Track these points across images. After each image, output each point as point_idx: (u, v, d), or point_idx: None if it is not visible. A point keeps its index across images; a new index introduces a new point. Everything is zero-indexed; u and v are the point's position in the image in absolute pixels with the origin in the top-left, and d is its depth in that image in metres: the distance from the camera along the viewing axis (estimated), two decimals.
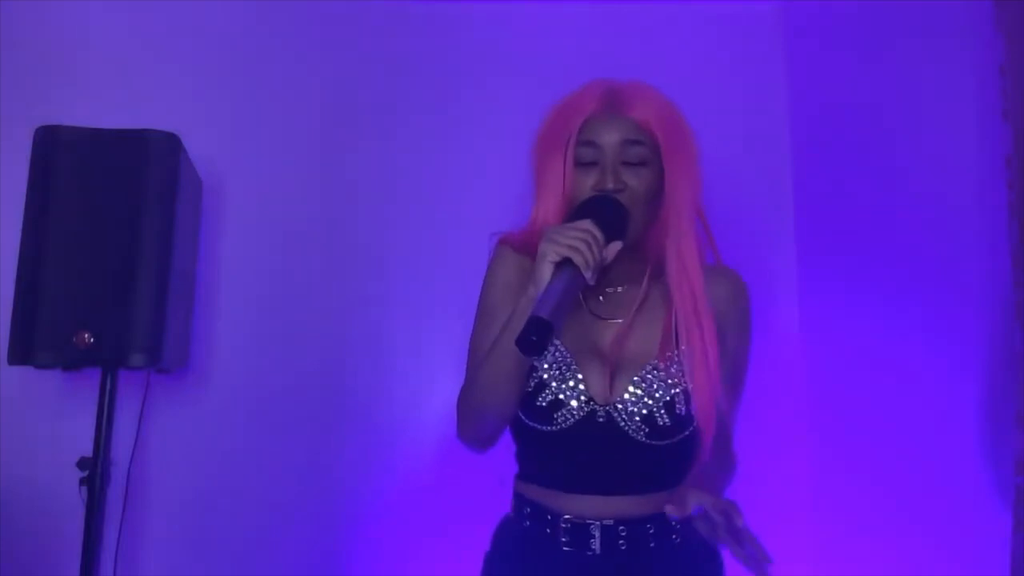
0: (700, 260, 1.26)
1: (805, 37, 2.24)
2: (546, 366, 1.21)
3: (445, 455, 1.95)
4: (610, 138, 1.22)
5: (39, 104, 2.01)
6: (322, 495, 2.03)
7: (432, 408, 2.01)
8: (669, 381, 1.19)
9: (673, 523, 1.20)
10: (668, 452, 1.20)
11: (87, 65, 2.13)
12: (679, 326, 1.22)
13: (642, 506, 1.20)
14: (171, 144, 1.75)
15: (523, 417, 1.22)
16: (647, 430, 1.18)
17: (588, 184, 1.21)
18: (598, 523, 1.19)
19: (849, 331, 1.99)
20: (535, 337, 1.02)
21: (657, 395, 1.19)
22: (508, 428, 1.29)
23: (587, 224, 1.12)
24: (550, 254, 1.10)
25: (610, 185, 1.19)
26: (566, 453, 1.21)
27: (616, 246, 1.15)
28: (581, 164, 1.23)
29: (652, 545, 1.20)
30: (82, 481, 1.74)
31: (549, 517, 1.21)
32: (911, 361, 1.74)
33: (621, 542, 1.19)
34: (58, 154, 1.69)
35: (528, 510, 1.25)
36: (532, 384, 1.21)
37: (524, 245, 1.26)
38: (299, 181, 2.16)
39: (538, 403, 1.20)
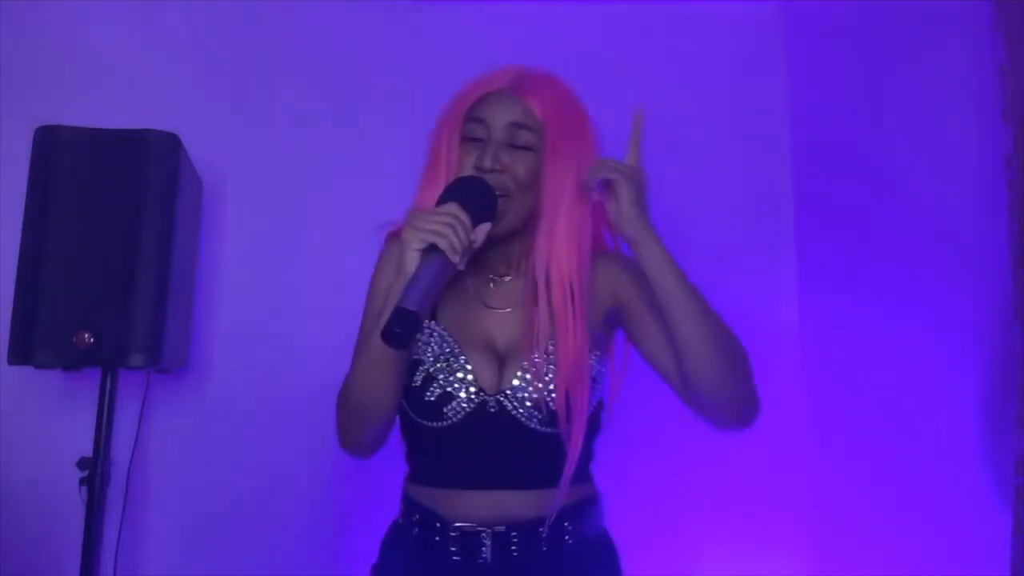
0: (580, 252, 1.20)
1: (805, 37, 2.24)
2: (432, 359, 1.16)
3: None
4: (499, 117, 1.18)
5: (39, 104, 2.01)
6: (322, 495, 2.03)
7: None
8: (553, 364, 1.15)
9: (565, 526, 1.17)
10: (561, 440, 1.16)
11: (87, 65, 2.13)
12: (553, 318, 1.16)
13: (535, 506, 1.16)
14: (171, 144, 1.75)
15: (412, 415, 1.18)
16: (539, 416, 1.14)
17: (469, 163, 1.17)
18: (489, 531, 1.15)
19: (849, 331, 1.99)
20: (399, 329, 0.98)
21: (547, 378, 1.14)
22: (399, 426, 1.24)
23: (451, 207, 1.07)
24: (414, 241, 1.05)
25: (487, 164, 1.15)
26: (458, 448, 1.17)
27: (485, 227, 1.11)
28: (469, 140, 1.19)
29: (544, 549, 1.16)
30: (82, 481, 1.74)
31: (438, 525, 1.17)
32: (911, 361, 1.74)
33: (513, 548, 1.15)
34: (58, 154, 1.69)
35: (417, 516, 1.20)
36: (420, 379, 1.16)
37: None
38: (299, 181, 2.16)
39: (427, 398, 1.15)
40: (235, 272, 2.12)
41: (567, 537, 1.18)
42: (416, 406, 1.17)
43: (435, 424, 1.16)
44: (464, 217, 1.07)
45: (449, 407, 1.15)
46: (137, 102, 2.08)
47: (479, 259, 1.19)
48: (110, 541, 1.84)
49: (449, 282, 1.17)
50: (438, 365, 1.16)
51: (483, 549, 1.15)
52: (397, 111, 2.20)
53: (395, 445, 2.16)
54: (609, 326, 1.28)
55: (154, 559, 1.99)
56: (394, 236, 1.24)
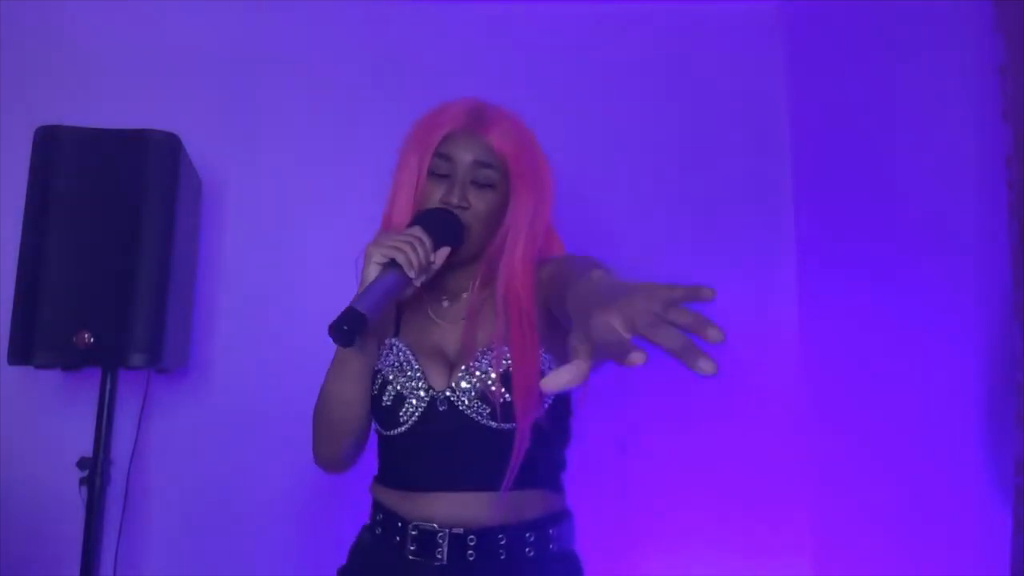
0: (533, 273, 1.26)
1: (805, 37, 2.24)
2: (389, 365, 1.24)
3: None
4: (465, 156, 1.26)
5: (39, 104, 2.01)
6: (322, 495, 2.03)
7: None
8: (504, 360, 1.19)
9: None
10: (514, 438, 1.17)
11: (87, 65, 2.13)
12: (508, 337, 1.22)
13: (496, 511, 1.18)
14: (171, 144, 1.75)
15: (375, 424, 1.26)
16: (488, 410, 1.18)
17: (437, 196, 1.25)
18: (446, 532, 1.17)
19: (848, 331, 1.99)
20: (346, 327, 1.06)
21: (489, 370, 1.19)
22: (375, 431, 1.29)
23: (415, 230, 1.18)
24: (375, 255, 1.16)
25: (455, 200, 1.24)
26: (417, 451, 1.22)
27: (444, 251, 1.21)
28: (434, 175, 1.27)
29: (503, 557, 1.17)
30: (82, 481, 1.74)
31: (399, 524, 1.21)
32: (910, 361, 1.74)
33: (469, 552, 1.17)
34: (58, 154, 1.69)
35: (380, 517, 1.25)
36: (377, 385, 1.24)
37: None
38: (299, 181, 2.16)
39: (383, 402, 1.22)
40: (235, 272, 2.12)
41: (528, 549, 1.19)
42: (377, 414, 1.25)
43: (393, 431, 1.22)
44: (426, 239, 1.18)
45: (403, 410, 1.21)
46: (137, 102, 2.09)
47: (436, 284, 1.29)
48: (110, 541, 1.84)
49: (411, 306, 1.31)
50: (393, 370, 1.24)
51: (439, 550, 1.17)
52: (397, 111, 2.18)
53: None
54: (554, 326, 1.26)
55: (154, 559, 1.99)
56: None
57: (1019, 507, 1.29)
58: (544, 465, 1.24)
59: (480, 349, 1.22)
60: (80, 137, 1.71)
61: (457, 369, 1.22)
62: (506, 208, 1.29)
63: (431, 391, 1.21)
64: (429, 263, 1.19)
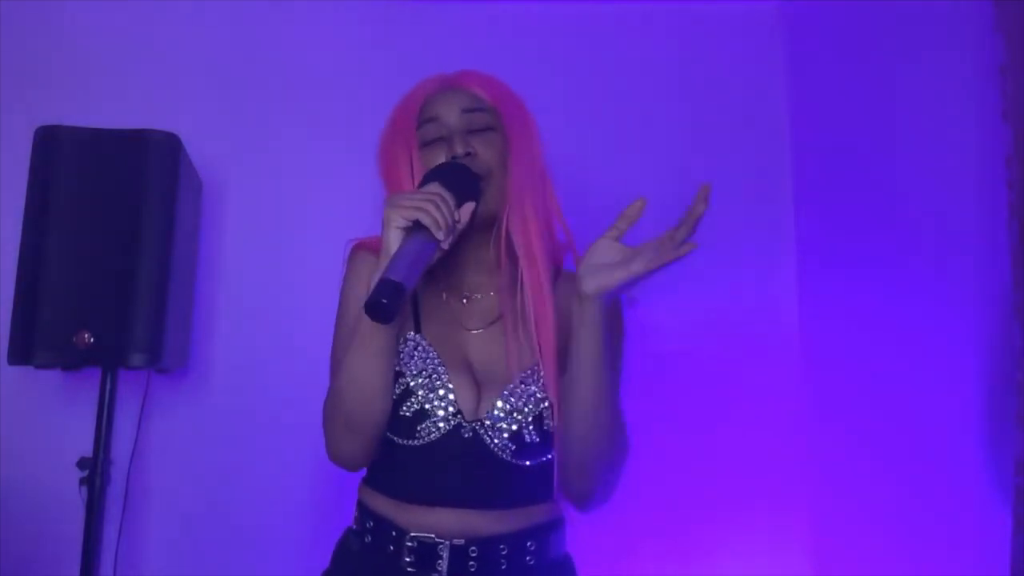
0: (549, 232, 1.19)
1: (805, 37, 2.24)
2: (415, 371, 1.13)
3: None
4: (450, 109, 1.17)
5: (39, 104, 2.01)
6: (322, 495, 2.03)
7: None
8: (538, 395, 1.13)
9: (527, 545, 1.13)
10: (532, 472, 1.14)
11: (87, 65, 2.13)
12: (527, 301, 1.14)
13: (498, 523, 1.13)
14: (171, 144, 1.75)
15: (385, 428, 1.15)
16: (513, 448, 1.12)
17: (438, 159, 1.15)
18: (447, 543, 1.11)
19: (848, 331, 1.99)
20: (385, 300, 0.94)
21: (526, 410, 1.12)
22: None
23: (433, 186, 1.05)
24: (395, 219, 1.02)
25: (459, 150, 1.13)
26: (426, 468, 1.13)
27: (469, 207, 1.09)
28: (426, 144, 1.17)
29: (504, 567, 1.12)
30: (82, 481, 1.74)
31: (394, 533, 1.12)
32: (910, 361, 1.74)
33: (471, 564, 1.11)
34: (58, 154, 1.69)
35: (371, 524, 1.16)
36: (398, 391, 1.13)
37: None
38: (299, 181, 2.16)
39: (402, 412, 1.12)
40: (235, 272, 2.12)
41: (528, 558, 1.14)
42: (390, 420, 1.14)
43: (405, 442, 1.13)
44: (447, 195, 1.05)
45: (423, 426, 1.12)
46: (137, 102, 2.08)
47: (454, 277, 1.20)
48: (110, 541, 1.84)
49: (426, 292, 1.18)
50: (420, 380, 1.13)
51: (439, 562, 1.11)
52: None
53: None
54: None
55: (154, 559, 1.98)
56: (360, 248, 1.24)
57: (1019, 507, 1.29)
58: (541, 484, 1.19)
59: (517, 376, 1.13)
60: (80, 137, 1.71)
61: (487, 395, 1.14)
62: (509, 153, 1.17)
63: (459, 417, 1.12)
64: (455, 221, 1.05)
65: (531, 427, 1.12)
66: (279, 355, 2.08)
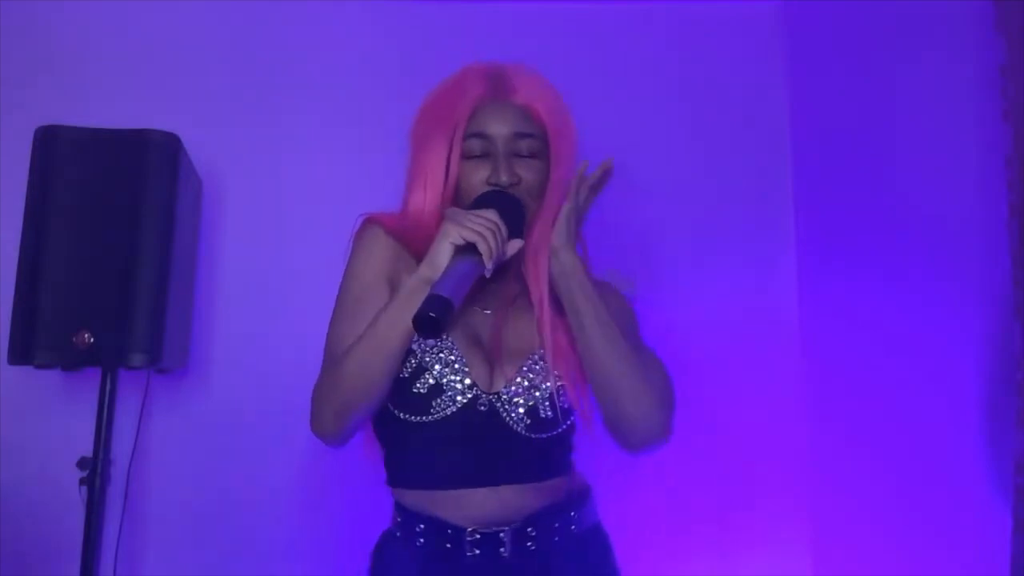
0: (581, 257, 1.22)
1: (805, 37, 2.24)
2: (428, 347, 1.14)
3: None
4: (501, 129, 1.16)
5: (39, 104, 2.01)
6: (322, 495, 2.03)
7: None
8: (555, 372, 1.16)
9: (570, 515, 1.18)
10: (547, 444, 1.17)
11: (87, 65, 2.13)
12: (540, 323, 1.17)
13: (541, 496, 1.16)
14: (171, 144, 1.75)
15: (394, 409, 1.16)
16: (528, 422, 1.15)
17: (479, 177, 1.16)
18: (508, 528, 1.14)
19: (848, 331, 1.99)
20: (434, 314, 0.97)
21: (543, 387, 1.16)
22: (374, 431, 1.23)
23: (494, 215, 1.08)
24: (453, 235, 1.05)
25: (504, 179, 1.14)
26: (443, 445, 1.14)
27: (517, 243, 1.12)
28: (471, 156, 1.17)
29: (556, 539, 1.17)
30: (82, 481, 1.74)
31: (450, 531, 1.14)
32: (910, 361, 1.74)
33: (530, 543, 1.15)
34: (58, 154, 1.69)
35: (421, 526, 1.16)
36: (409, 369, 1.13)
37: (398, 230, 1.20)
38: (299, 181, 2.16)
39: (415, 389, 1.13)
40: (235, 272, 2.11)
41: (573, 527, 1.19)
42: (401, 399, 1.15)
43: (419, 418, 1.14)
44: (503, 228, 1.08)
45: (438, 400, 1.13)
46: (137, 102, 2.08)
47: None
48: (110, 541, 1.84)
49: None
50: (433, 356, 1.14)
51: (502, 549, 1.14)
52: (397, 111, 2.19)
53: None
54: None
55: (154, 559, 1.98)
56: (373, 222, 1.24)
57: (1019, 507, 1.29)
58: (560, 456, 1.23)
59: (535, 353, 1.17)
60: (80, 137, 1.71)
61: (503, 369, 1.16)
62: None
63: (475, 389, 1.14)
64: (503, 254, 1.09)
65: (546, 403, 1.15)
66: (279, 355, 2.07)
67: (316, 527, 2.02)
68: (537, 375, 1.16)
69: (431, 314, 0.97)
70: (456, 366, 1.14)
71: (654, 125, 2.26)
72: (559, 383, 1.16)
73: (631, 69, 2.28)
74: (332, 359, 1.18)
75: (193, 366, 2.05)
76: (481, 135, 1.17)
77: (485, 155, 1.17)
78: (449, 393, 1.13)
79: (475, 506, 1.15)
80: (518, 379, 1.16)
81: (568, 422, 1.19)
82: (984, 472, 1.48)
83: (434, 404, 1.13)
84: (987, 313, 1.49)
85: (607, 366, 1.14)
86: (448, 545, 1.15)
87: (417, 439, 1.16)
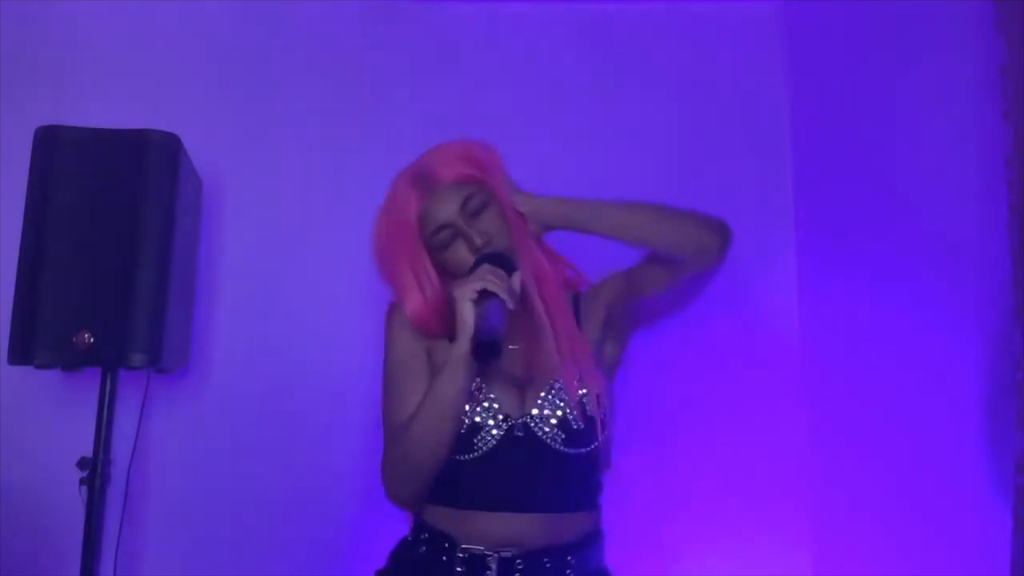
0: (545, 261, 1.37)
1: (805, 37, 2.24)
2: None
3: None
4: (450, 211, 1.30)
5: (39, 104, 2.01)
6: (321, 495, 2.03)
7: None
8: (576, 383, 1.27)
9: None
10: (581, 463, 1.27)
11: (87, 65, 2.13)
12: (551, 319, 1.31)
13: (545, 532, 1.24)
14: (171, 144, 1.75)
15: None
16: (563, 436, 1.25)
17: (463, 255, 1.30)
18: (495, 555, 1.22)
19: (848, 331, 1.99)
20: (485, 339, 1.15)
21: (567, 398, 1.26)
22: None
23: (486, 267, 1.23)
24: (467, 293, 1.19)
25: (479, 242, 1.28)
26: (484, 475, 1.25)
27: (517, 275, 1.26)
28: (444, 249, 1.31)
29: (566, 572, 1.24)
30: (82, 481, 1.74)
31: (447, 545, 1.24)
32: (910, 361, 1.74)
33: (516, 574, 1.22)
34: (58, 154, 1.69)
35: (426, 535, 1.28)
36: None
37: (414, 322, 1.34)
38: (299, 181, 2.16)
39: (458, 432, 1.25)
40: (235, 272, 2.11)
41: (568, 571, 1.25)
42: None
43: (464, 457, 1.25)
44: (499, 272, 1.22)
45: (478, 437, 1.25)
46: (137, 102, 2.08)
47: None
48: (110, 541, 1.83)
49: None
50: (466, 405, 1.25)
51: (488, 573, 1.22)
52: (397, 110, 2.20)
53: None
54: (612, 341, 1.40)
55: (154, 559, 1.98)
56: (396, 307, 1.37)
57: (1019, 507, 1.29)
58: (591, 486, 1.32)
59: (555, 376, 1.27)
60: (80, 137, 1.70)
61: (532, 394, 1.27)
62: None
63: (509, 420, 1.26)
64: (512, 288, 1.23)
65: (574, 413, 1.26)
66: (279, 355, 2.08)
67: (316, 527, 2.02)
68: (561, 391, 1.27)
69: (483, 340, 1.15)
70: (485, 404, 1.26)
71: (654, 125, 2.26)
72: (584, 390, 1.27)
73: (631, 69, 2.28)
74: (394, 429, 1.29)
75: (193, 366, 2.05)
76: (442, 227, 1.31)
77: (455, 236, 1.31)
78: (485, 428, 1.25)
79: (481, 529, 1.23)
80: (549, 396, 1.26)
81: (600, 438, 1.27)
82: (984, 472, 1.48)
83: (475, 441, 1.25)
84: (987, 313, 1.49)
85: (646, 225, 1.32)
86: (444, 558, 1.24)
87: (459, 471, 1.26)
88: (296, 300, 2.11)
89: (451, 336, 1.25)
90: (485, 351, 1.16)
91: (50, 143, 1.69)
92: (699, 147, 2.25)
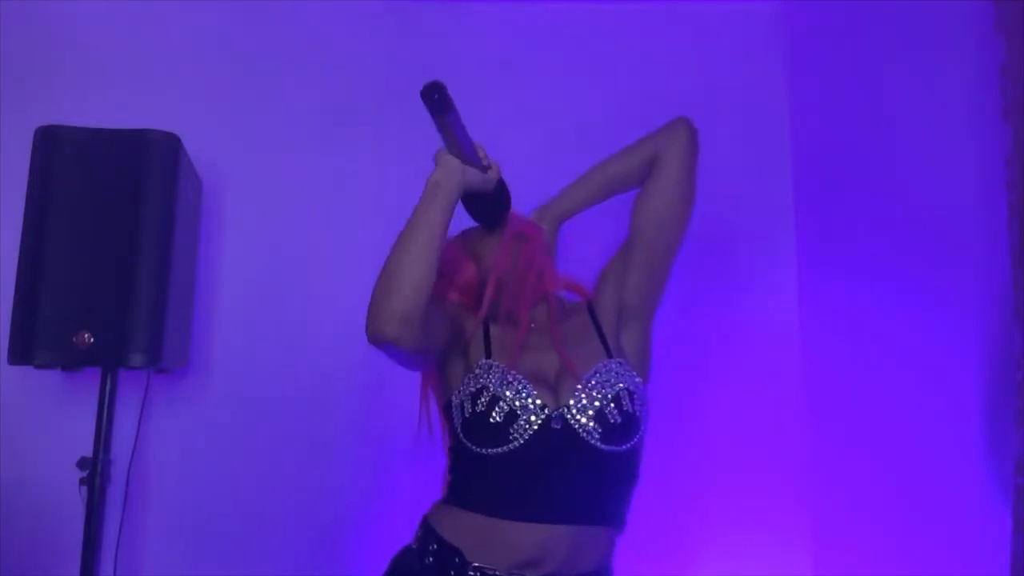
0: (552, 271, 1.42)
1: (805, 37, 2.24)
2: (495, 382, 1.23)
3: (444, 456, 1.94)
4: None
5: (39, 104, 2.01)
6: (321, 495, 2.03)
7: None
8: (612, 379, 1.24)
9: None
10: (617, 463, 1.22)
11: (87, 65, 2.13)
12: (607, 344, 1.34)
13: (567, 553, 1.19)
14: (171, 144, 1.75)
15: (472, 445, 1.21)
16: (600, 431, 1.20)
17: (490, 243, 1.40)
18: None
19: (848, 332, 1.99)
20: (436, 96, 1.25)
21: (604, 390, 1.22)
22: (451, 454, 1.30)
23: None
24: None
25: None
26: (514, 473, 1.20)
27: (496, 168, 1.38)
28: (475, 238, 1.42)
29: None
30: (82, 481, 1.74)
31: (457, 560, 1.19)
32: (910, 361, 1.74)
33: None
34: (58, 154, 1.69)
35: (435, 546, 1.22)
36: (483, 403, 1.21)
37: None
38: (299, 181, 2.16)
39: (492, 419, 1.19)
40: (235, 272, 2.11)
41: None
42: (478, 433, 1.21)
43: (493, 450, 1.19)
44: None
45: (514, 427, 1.19)
46: (137, 102, 2.08)
47: (511, 315, 1.33)
48: (110, 541, 1.84)
49: (495, 334, 1.33)
50: (504, 388, 1.22)
51: None
52: (397, 111, 2.19)
53: (395, 451, 2.15)
54: (635, 320, 1.39)
55: (154, 559, 1.98)
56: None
57: (1019, 507, 1.29)
58: (624, 495, 1.28)
59: (592, 366, 1.25)
60: (80, 137, 1.71)
61: (567, 388, 1.24)
62: None
63: (547, 408, 1.20)
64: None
65: (612, 406, 1.21)
66: (279, 355, 2.08)
67: (316, 527, 2.02)
68: (599, 382, 1.24)
69: (435, 96, 1.24)
70: (523, 392, 1.21)
71: (653, 125, 2.25)
72: (621, 384, 1.24)
73: (631, 69, 2.28)
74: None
75: (193, 366, 2.05)
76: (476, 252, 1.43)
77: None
78: (524, 416, 1.19)
79: (500, 543, 1.18)
80: (579, 386, 1.23)
81: (637, 435, 1.24)
82: (984, 472, 1.48)
83: (511, 431, 1.19)
84: (987, 313, 1.49)
85: (609, 167, 1.55)
86: (451, 572, 1.19)
87: (492, 471, 1.21)
88: (296, 300, 2.10)
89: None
90: (428, 93, 1.25)
91: (50, 143, 1.70)
92: (699, 147, 2.24)
